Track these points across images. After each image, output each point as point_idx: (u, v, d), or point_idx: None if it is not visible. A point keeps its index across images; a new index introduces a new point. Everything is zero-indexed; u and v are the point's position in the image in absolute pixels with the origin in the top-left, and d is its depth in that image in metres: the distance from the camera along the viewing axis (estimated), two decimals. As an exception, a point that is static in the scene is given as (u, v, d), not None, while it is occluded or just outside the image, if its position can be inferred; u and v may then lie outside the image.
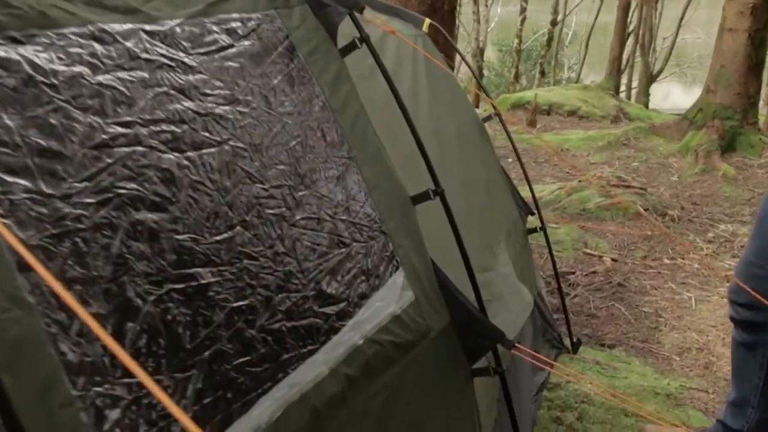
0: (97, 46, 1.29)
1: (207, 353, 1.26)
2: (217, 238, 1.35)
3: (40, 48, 1.19)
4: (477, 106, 10.61)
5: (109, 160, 1.22)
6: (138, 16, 1.39)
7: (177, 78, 1.41)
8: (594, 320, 4.19)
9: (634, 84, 20.43)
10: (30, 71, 1.15)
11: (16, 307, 0.99)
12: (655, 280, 4.74)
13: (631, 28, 18.64)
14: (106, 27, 1.32)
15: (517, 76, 19.19)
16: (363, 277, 1.68)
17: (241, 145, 1.49)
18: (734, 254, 5.19)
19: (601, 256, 5.08)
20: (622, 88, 18.04)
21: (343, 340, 1.56)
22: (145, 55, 1.37)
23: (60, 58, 1.21)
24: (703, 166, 7.14)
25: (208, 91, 1.47)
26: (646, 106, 15.33)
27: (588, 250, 5.18)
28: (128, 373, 1.11)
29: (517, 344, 2.15)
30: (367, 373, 1.58)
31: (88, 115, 1.21)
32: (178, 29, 1.47)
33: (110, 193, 1.20)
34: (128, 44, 1.35)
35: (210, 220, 1.35)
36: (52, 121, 1.16)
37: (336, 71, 1.86)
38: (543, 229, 3.65)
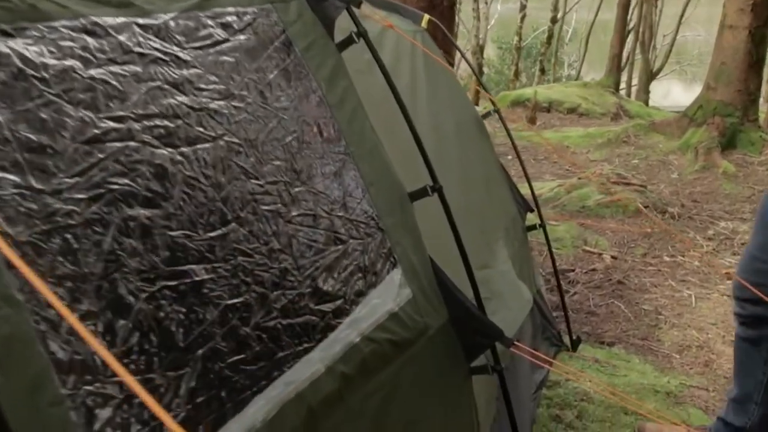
0: (89, 40, 1.27)
1: (201, 351, 1.24)
2: (212, 234, 1.34)
3: (30, 41, 1.17)
4: (477, 104, 10.59)
5: (101, 156, 1.20)
6: (131, 10, 1.37)
7: (171, 72, 1.39)
8: (593, 318, 4.17)
9: (634, 81, 20.39)
10: (20, 65, 1.14)
11: (5, 304, 0.97)
12: (655, 278, 4.73)
13: (631, 25, 18.60)
14: (98, 20, 1.30)
15: (517, 74, 19.17)
16: (360, 275, 1.67)
17: (236, 140, 1.47)
18: (734, 251, 5.17)
19: (600, 254, 5.06)
20: (622, 85, 18.01)
21: (339, 338, 1.54)
22: (138, 49, 1.35)
23: (51, 52, 1.19)
24: (704, 164, 7.11)
25: (202, 86, 1.45)
26: (646, 104, 15.30)
27: (588, 248, 5.16)
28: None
29: (516, 342, 2.13)
30: (364, 372, 1.57)
31: (80, 109, 1.19)
32: (172, 23, 1.45)
33: (102, 189, 1.18)
34: (121, 38, 1.33)
35: (204, 217, 1.33)
36: (43, 115, 1.14)
37: (333, 66, 1.84)
38: (542, 226, 3.63)
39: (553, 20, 18.89)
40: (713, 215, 5.97)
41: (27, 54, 1.15)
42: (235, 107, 1.51)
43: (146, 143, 1.28)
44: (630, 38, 18.71)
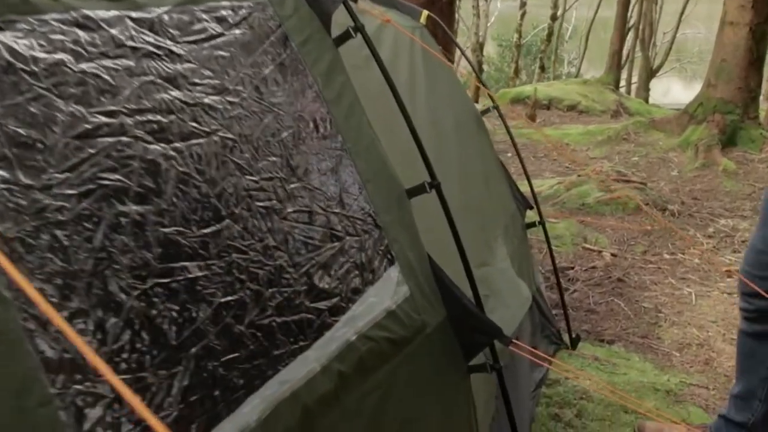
0: (81, 33, 1.25)
1: (194, 350, 1.22)
2: (205, 231, 1.32)
3: (20, 34, 1.15)
4: (477, 102, 10.57)
5: (92, 151, 1.18)
6: (124, 3, 1.35)
7: (164, 67, 1.37)
8: (593, 316, 4.15)
9: (634, 79, 20.38)
10: (9, 58, 1.12)
11: (-8, 302, 0.96)
12: (655, 276, 4.71)
13: (631, 22, 18.59)
14: (90, 13, 1.28)
15: (516, 71, 19.15)
16: (356, 272, 1.65)
17: (231, 136, 1.45)
18: (735, 249, 5.15)
19: (600, 251, 5.05)
20: (622, 83, 17.99)
21: (335, 337, 1.52)
22: (130, 43, 1.33)
23: (41, 45, 1.17)
24: (704, 161, 7.09)
25: (196, 81, 1.43)
26: (646, 101, 15.28)
27: (587, 245, 5.14)
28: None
29: (514, 341, 2.11)
30: (361, 370, 1.55)
31: (70, 103, 1.17)
32: (165, 17, 1.43)
33: (93, 185, 1.16)
34: (113, 31, 1.31)
35: (197, 213, 1.31)
36: (32, 109, 1.12)
37: (330, 61, 1.82)
38: (542, 223, 3.61)
39: (553, 17, 18.87)
40: (713, 213, 5.95)
41: (16, 47, 1.13)
42: (229, 102, 1.48)
43: (139, 138, 1.26)
44: (630, 35, 18.70)
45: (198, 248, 1.29)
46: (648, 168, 7.27)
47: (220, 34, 1.54)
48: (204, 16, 1.52)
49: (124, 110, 1.26)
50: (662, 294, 4.44)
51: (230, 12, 1.59)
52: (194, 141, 1.36)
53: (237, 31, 1.59)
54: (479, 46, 19.14)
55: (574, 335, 3.67)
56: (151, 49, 1.36)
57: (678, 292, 4.48)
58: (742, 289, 2.42)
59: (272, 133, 1.56)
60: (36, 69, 1.14)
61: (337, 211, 1.65)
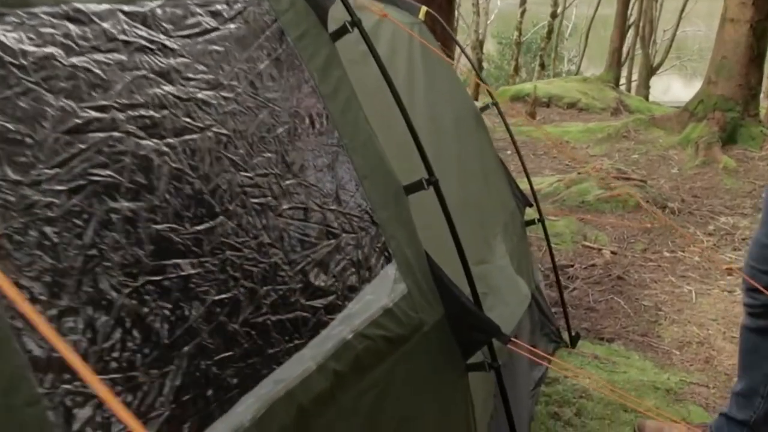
0: (72, 27, 1.22)
1: (186, 348, 1.20)
2: (199, 227, 1.29)
3: (8, 27, 1.12)
4: (476, 100, 10.55)
5: (83, 146, 1.16)
6: (116, -4, 1.33)
7: (157, 61, 1.35)
8: (593, 314, 4.13)
9: (634, 77, 20.37)
10: (-3, 51, 1.09)
11: (-22, 300, 0.94)
12: (655, 273, 4.69)
13: (631, 20, 18.57)
14: (81, 7, 1.25)
15: (516, 69, 19.12)
16: (353, 269, 1.63)
17: (225, 131, 1.43)
18: (735, 247, 5.13)
19: (600, 249, 5.03)
20: (622, 80, 17.97)
21: (331, 335, 1.50)
22: (123, 37, 1.30)
23: (30, 39, 1.15)
24: (704, 159, 7.08)
25: (190, 76, 1.41)
26: (647, 99, 15.26)
27: (587, 243, 5.12)
28: (100, 370, 1.06)
29: (513, 339, 2.09)
30: (357, 369, 1.53)
31: (60, 98, 1.15)
32: (159, 10, 1.40)
33: (83, 180, 1.14)
34: (105, 25, 1.28)
35: (191, 209, 1.29)
36: (21, 104, 1.09)
37: (326, 56, 1.80)
38: (541, 221, 3.59)
39: (553, 15, 18.84)
40: (714, 210, 5.93)
41: (5, 40, 1.11)
42: (224, 97, 1.46)
43: (130, 134, 1.24)
44: (630, 33, 18.68)
45: (191, 245, 1.27)
46: (648, 165, 7.25)
47: (215, 29, 1.51)
48: (198, 10, 1.50)
49: (115, 105, 1.23)
50: (662, 292, 4.42)
51: (225, 6, 1.57)
52: (188, 136, 1.34)
53: (232, 26, 1.56)
54: (479, 44, 19.11)
55: (573, 333, 3.65)
56: (144, 43, 1.34)
57: (678, 290, 4.46)
58: (746, 284, 2.40)
59: (267, 128, 1.54)
60: (25, 63, 1.12)
61: (333, 207, 1.63)
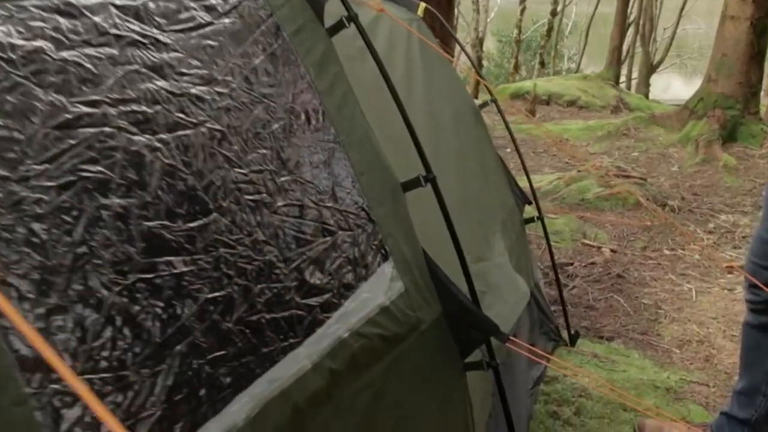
0: (62, 20, 1.20)
1: (179, 347, 1.18)
2: (192, 224, 1.27)
3: (-3, 20, 1.11)
4: (476, 98, 10.53)
5: (73, 141, 1.13)
6: (108, -10, 1.31)
7: (150, 56, 1.33)
8: (592, 312, 4.11)
9: (635, 75, 20.35)
10: (-15, 45, 1.07)
11: (-35, 298, 0.92)
12: (655, 272, 4.67)
13: (631, 18, 18.54)
14: (72, 0, 1.23)
15: (516, 67, 19.10)
16: (349, 267, 1.61)
17: (219, 127, 1.41)
18: (735, 245, 5.12)
19: (600, 247, 5.01)
20: (622, 78, 17.96)
21: (327, 333, 1.48)
22: (114, 31, 1.28)
23: (19, 32, 1.13)
24: (704, 156, 7.06)
25: (183, 70, 1.39)
26: (647, 97, 15.24)
27: (587, 241, 5.10)
28: (88, 370, 1.04)
29: (512, 337, 2.07)
30: (353, 368, 1.51)
31: (50, 92, 1.13)
32: (151, 4, 1.38)
33: (73, 176, 1.12)
34: (96, 19, 1.26)
35: (183, 206, 1.27)
36: (9, 98, 1.07)
37: (323, 51, 1.78)
38: (540, 218, 3.57)
39: (553, 13, 18.81)
40: (714, 208, 5.91)
41: (-7, 34, 1.09)
42: (218, 93, 1.44)
43: (122, 129, 1.22)
44: (630, 31, 18.65)
45: (184, 243, 1.25)
46: (648, 163, 7.23)
47: (209, 23, 1.49)
48: (192, 4, 1.47)
49: (106, 100, 1.21)
50: (662, 290, 4.40)
51: (220, 0, 1.55)
52: (181, 132, 1.32)
53: (226, 20, 1.54)
54: (479, 42, 19.08)
55: (573, 332, 3.64)
56: (136, 37, 1.32)
57: (678, 288, 4.44)
58: (747, 281, 2.39)
59: (262, 124, 1.52)
60: (14, 56, 1.10)
61: (329, 204, 1.61)
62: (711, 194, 6.29)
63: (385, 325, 1.63)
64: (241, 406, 1.25)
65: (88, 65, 1.21)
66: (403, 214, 1.82)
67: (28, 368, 0.96)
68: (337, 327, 1.51)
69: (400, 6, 2.98)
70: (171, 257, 1.22)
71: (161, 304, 1.18)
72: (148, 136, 1.26)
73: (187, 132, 1.34)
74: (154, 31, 1.36)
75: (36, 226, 1.05)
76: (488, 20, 22.69)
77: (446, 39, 4.85)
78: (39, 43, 1.15)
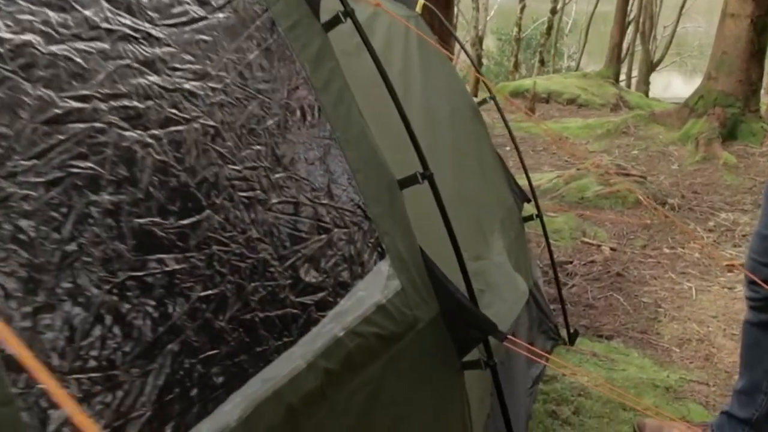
0: (51, 14, 1.18)
1: (170, 346, 1.16)
2: (184, 222, 1.25)
3: (-16, 13, 1.09)
4: (476, 96, 10.51)
5: (62, 137, 1.11)
6: (99, -17, 1.29)
7: (142, 50, 1.31)
8: (592, 311, 4.09)
9: (634, 73, 20.33)
10: (-28, 38, 1.05)
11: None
12: (655, 270, 4.65)
13: (631, 16, 18.52)
14: (62, -7, 1.21)
15: (516, 65, 19.09)
16: (345, 265, 1.59)
17: (213, 123, 1.39)
18: (735, 243, 5.10)
19: (599, 245, 4.99)
20: (622, 76, 17.94)
21: (322, 332, 1.46)
22: (105, 25, 1.26)
23: (7, 26, 1.11)
24: (704, 155, 7.03)
25: (176, 65, 1.37)
26: (646, 95, 15.21)
27: (586, 239, 5.08)
28: (77, 369, 1.02)
29: (510, 336, 2.05)
30: (349, 367, 1.49)
31: (39, 87, 1.11)
32: (144, -2, 1.36)
33: (62, 173, 1.10)
34: (87, 13, 1.24)
35: (176, 203, 1.25)
36: (-3, 92, 1.06)
37: (319, 47, 1.76)
38: (539, 216, 3.55)
39: (553, 11, 18.78)
40: (714, 206, 5.89)
41: (-20, 27, 1.07)
42: (212, 88, 1.42)
43: (113, 124, 1.20)
44: (630, 29, 18.62)
45: (176, 240, 1.23)
46: (648, 161, 7.21)
47: (203, 18, 1.47)
48: (185, -2, 1.45)
49: (97, 95, 1.19)
50: (662, 289, 4.38)
51: (214, -5, 1.53)
52: (173, 128, 1.30)
53: (220, 15, 1.52)
54: (478, 40, 19.05)
55: (572, 330, 3.62)
56: (128, 31, 1.30)
57: (678, 286, 4.42)
58: (747, 277, 2.37)
59: (257, 120, 1.50)
60: (1, 50, 1.08)
61: (324, 202, 1.59)
62: (711, 192, 6.27)
63: (382, 323, 1.61)
64: (234, 406, 1.23)
65: (78, 59, 1.19)
66: (400, 212, 1.80)
67: (14, 368, 0.94)
68: (332, 326, 1.49)
69: (398, 2, 2.96)
70: (163, 255, 1.20)
71: (152, 303, 1.16)
72: (139, 132, 1.23)
73: (180, 128, 1.32)
74: (147, 25, 1.34)
75: (23, 223, 1.03)
76: (488, 18, 22.67)
77: (445, 36, 4.83)
78: (28, 36, 1.13)
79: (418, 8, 3.15)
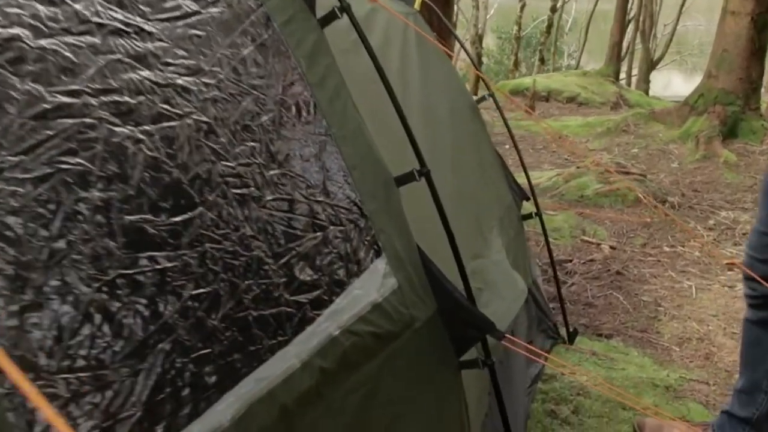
0: (41, 8, 1.16)
1: (161, 345, 1.14)
2: (176, 219, 1.23)
3: (-29, 7, 1.07)
4: (476, 94, 10.49)
5: (50, 132, 1.09)
6: (90, -23, 1.27)
7: (133, 45, 1.29)
8: (591, 309, 4.08)
9: (635, 71, 20.31)
10: (-42, 32, 1.04)
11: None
12: (655, 269, 4.63)
13: (631, 14, 18.49)
14: (51, -13, 1.19)
15: (516, 64, 19.06)
16: (341, 263, 1.57)
17: (206, 119, 1.37)
18: (736, 242, 5.08)
19: (599, 244, 4.97)
20: (622, 75, 17.91)
21: (317, 331, 1.44)
22: (96, 19, 1.24)
23: (-5, 19, 1.09)
24: (704, 153, 7.01)
25: (169, 61, 1.35)
26: (647, 93, 15.19)
27: (586, 238, 5.06)
28: (65, 369, 1.00)
29: (509, 335, 2.04)
30: (344, 366, 1.47)
31: (27, 81, 1.09)
32: (136, -8, 1.34)
33: (51, 169, 1.08)
34: (77, 6, 1.22)
35: (168, 200, 1.23)
36: (-17, 87, 1.04)
37: (314, 42, 1.74)
38: (539, 214, 3.53)
39: (553, 9, 18.75)
40: (714, 205, 5.87)
41: (-33, 20, 1.05)
42: (205, 84, 1.40)
43: (103, 120, 1.18)
44: (630, 27, 18.60)
45: (167, 237, 1.21)
46: (648, 160, 7.19)
47: (196, 12, 1.45)
48: (178, -8, 1.43)
49: (87, 90, 1.17)
50: (662, 287, 4.36)
51: (207, -11, 1.51)
52: (165, 124, 1.28)
53: (214, 10, 1.50)
54: (478, 39, 19.02)
55: (571, 329, 3.60)
56: (119, 26, 1.28)
57: (678, 285, 4.40)
58: (745, 275, 2.36)
59: (251, 116, 1.48)
60: (-11, 44, 1.06)
61: (320, 199, 1.57)
62: (711, 191, 6.25)
63: (378, 322, 1.59)
64: (227, 406, 1.21)
65: (68, 54, 1.17)
66: (397, 209, 1.78)
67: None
68: (327, 325, 1.47)
69: (396, 0, 2.94)
70: (154, 252, 1.18)
71: (143, 301, 1.14)
72: (130, 128, 1.22)
73: (172, 123, 1.30)
74: (138, 19, 1.32)
75: (11, 220, 1.01)
76: (488, 17, 22.64)
77: (444, 34, 4.81)
78: (16, 30, 1.11)
79: (417, 5, 3.14)
